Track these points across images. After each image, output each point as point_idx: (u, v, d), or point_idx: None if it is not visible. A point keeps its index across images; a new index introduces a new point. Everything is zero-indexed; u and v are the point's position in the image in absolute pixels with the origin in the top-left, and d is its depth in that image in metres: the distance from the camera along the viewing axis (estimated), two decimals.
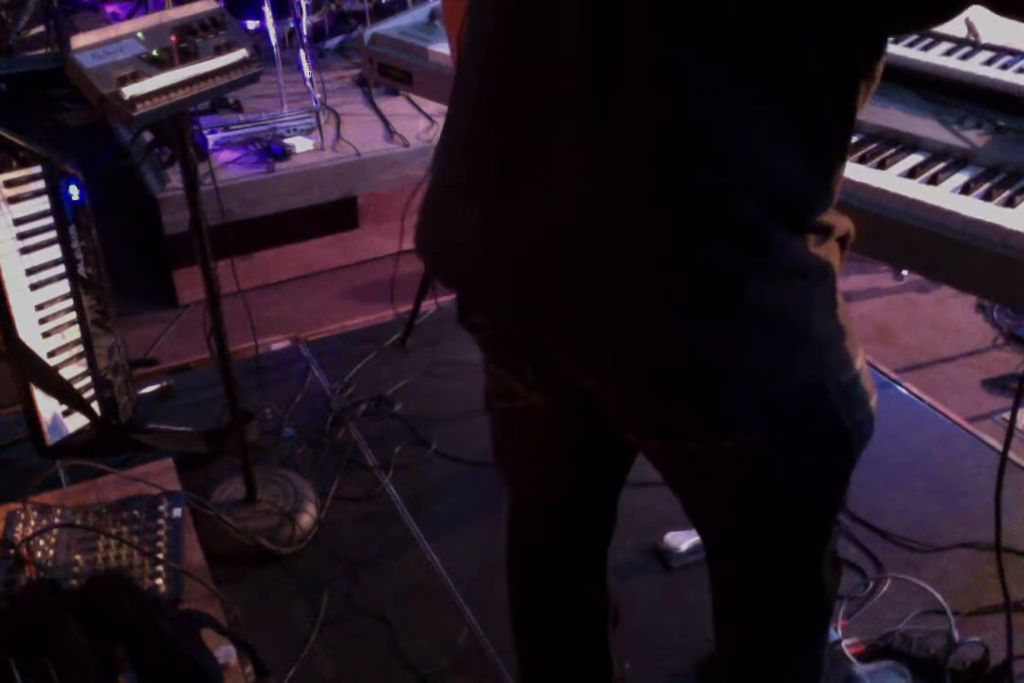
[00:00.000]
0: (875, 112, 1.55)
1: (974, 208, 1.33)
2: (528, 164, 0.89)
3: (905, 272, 3.00)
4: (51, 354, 1.86)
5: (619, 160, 0.83)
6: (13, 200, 1.78)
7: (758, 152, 0.83)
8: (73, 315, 1.90)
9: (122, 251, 2.74)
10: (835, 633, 1.70)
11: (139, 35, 1.43)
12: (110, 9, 4.14)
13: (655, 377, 0.91)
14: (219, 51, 1.50)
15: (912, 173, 1.42)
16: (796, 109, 0.82)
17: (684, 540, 1.91)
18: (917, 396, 2.40)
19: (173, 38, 1.44)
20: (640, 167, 0.83)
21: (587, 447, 1.20)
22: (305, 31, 3.34)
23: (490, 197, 0.92)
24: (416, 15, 2.14)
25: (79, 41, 1.37)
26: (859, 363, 0.95)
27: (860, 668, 1.63)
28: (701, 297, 0.85)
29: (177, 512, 1.74)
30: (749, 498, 1.01)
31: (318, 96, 3.22)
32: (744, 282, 0.84)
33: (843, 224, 0.92)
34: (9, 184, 1.78)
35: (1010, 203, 1.33)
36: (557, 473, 1.24)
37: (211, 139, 3.09)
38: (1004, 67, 1.58)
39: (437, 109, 3.30)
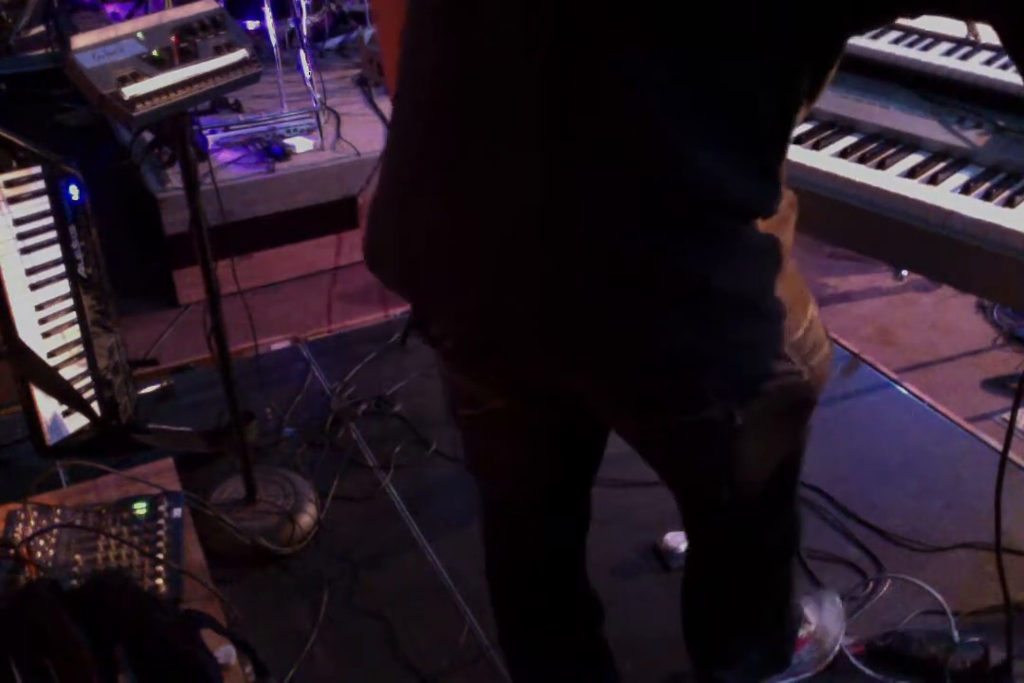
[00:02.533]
0: (875, 112, 1.55)
1: (974, 208, 1.33)
2: (485, 169, 0.89)
3: (905, 272, 3.00)
4: (51, 354, 1.86)
5: (579, 170, 0.85)
6: (13, 200, 1.78)
7: (715, 165, 0.85)
8: (73, 315, 1.90)
9: (122, 251, 2.74)
10: None
11: (139, 35, 1.43)
12: (110, 9, 4.14)
13: (634, 368, 0.94)
14: (219, 51, 1.50)
15: (912, 173, 1.42)
16: (745, 122, 0.85)
17: (683, 540, 1.91)
18: (917, 396, 2.40)
19: (173, 38, 1.44)
20: (600, 176, 0.85)
21: (557, 442, 1.22)
22: (305, 31, 3.34)
23: (445, 207, 0.93)
24: None
25: (79, 41, 1.37)
26: (809, 314, 1.03)
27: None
28: (670, 291, 0.88)
29: (177, 512, 1.74)
30: (728, 454, 1.08)
31: (318, 96, 3.22)
32: (710, 274, 0.88)
33: (787, 197, 0.96)
34: (9, 184, 1.78)
35: (1010, 203, 1.33)
36: (532, 471, 1.26)
37: (211, 139, 3.09)
38: (1004, 67, 1.58)
39: None
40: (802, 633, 1.60)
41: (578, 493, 1.32)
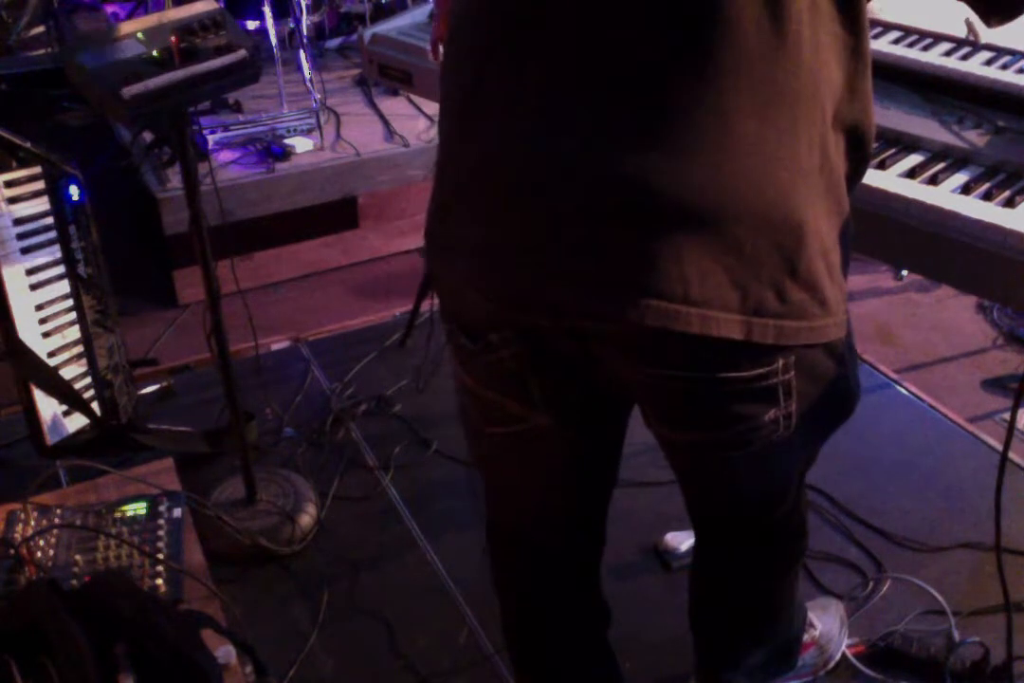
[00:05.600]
0: (875, 112, 1.55)
1: (974, 208, 1.33)
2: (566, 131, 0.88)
3: (905, 272, 3.00)
4: (51, 354, 1.86)
5: (701, 118, 0.84)
6: (13, 200, 1.78)
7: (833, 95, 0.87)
8: (73, 315, 1.90)
9: (122, 251, 2.74)
10: None
11: (139, 35, 1.43)
12: (110, 9, 4.13)
13: (708, 346, 0.91)
14: (219, 51, 1.50)
15: (912, 173, 1.42)
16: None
17: (684, 540, 1.91)
18: (917, 396, 2.40)
19: (173, 38, 1.44)
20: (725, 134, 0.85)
21: (587, 456, 1.20)
22: (305, 31, 3.34)
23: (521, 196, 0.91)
24: (416, 15, 2.14)
25: (79, 41, 1.36)
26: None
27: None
28: (761, 270, 0.87)
29: (177, 512, 1.74)
30: (759, 454, 1.06)
31: (318, 96, 3.22)
32: (802, 257, 0.88)
33: None
34: (9, 184, 1.78)
35: (1010, 203, 1.33)
36: (561, 488, 1.24)
37: (211, 139, 3.09)
38: (1004, 67, 1.57)
39: (437, 109, 3.29)
40: (806, 638, 1.60)
41: (595, 510, 1.31)
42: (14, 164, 1.78)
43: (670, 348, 0.92)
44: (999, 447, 1.95)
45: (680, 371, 0.95)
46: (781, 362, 0.95)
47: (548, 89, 0.88)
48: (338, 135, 3.22)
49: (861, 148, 0.95)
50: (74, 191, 1.85)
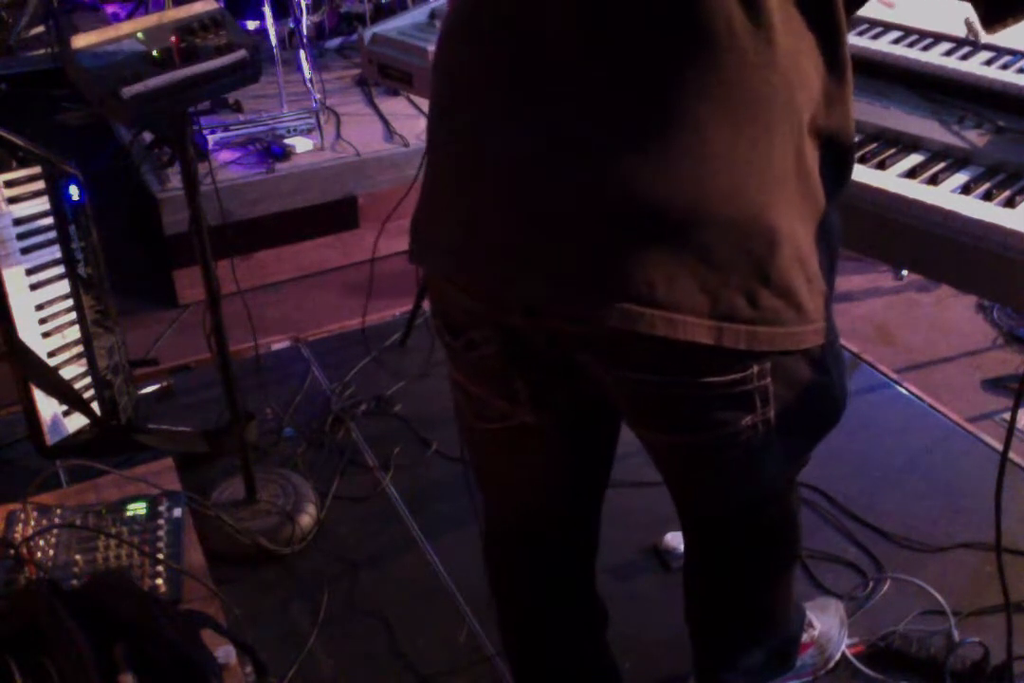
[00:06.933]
0: (875, 112, 1.55)
1: (974, 208, 1.33)
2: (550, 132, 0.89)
3: (905, 272, 3.00)
4: (51, 354, 1.86)
5: (681, 112, 0.85)
6: (13, 200, 1.78)
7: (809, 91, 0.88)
8: (73, 315, 1.90)
9: (122, 251, 2.74)
10: None
11: (139, 35, 1.43)
12: (110, 9, 4.13)
13: (684, 348, 0.91)
14: (219, 51, 1.50)
15: (912, 173, 1.42)
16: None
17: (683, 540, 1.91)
18: (917, 396, 2.40)
19: (173, 38, 1.44)
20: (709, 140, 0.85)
21: (576, 455, 1.20)
22: (305, 31, 3.34)
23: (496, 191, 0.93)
24: (416, 15, 2.14)
25: (79, 41, 1.37)
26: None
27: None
28: (747, 260, 0.88)
29: (177, 512, 1.74)
30: (739, 458, 1.06)
31: (318, 96, 3.22)
32: (774, 264, 0.88)
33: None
34: (9, 184, 1.78)
35: (1010, 203, 1.33)
36: (550, 485, 1.24)
37: (211, 139, 3.09)
38: (1004, 67, 1.58)
39: None
40: (805, 638, 1.60)
41: (588, 506, 1.31)
42: (14, 164, 1.78)
43: (639, 351, 0.93)
44: (999, 447, 1.95)
45: (652, 375, 0.96)
46: (756, 368, 0.95)
47: (534, 93, 0.89)
48: (338, 135, 3.22)
49: (842, 154, 0.95)
50: (74, 191, 1.85)
